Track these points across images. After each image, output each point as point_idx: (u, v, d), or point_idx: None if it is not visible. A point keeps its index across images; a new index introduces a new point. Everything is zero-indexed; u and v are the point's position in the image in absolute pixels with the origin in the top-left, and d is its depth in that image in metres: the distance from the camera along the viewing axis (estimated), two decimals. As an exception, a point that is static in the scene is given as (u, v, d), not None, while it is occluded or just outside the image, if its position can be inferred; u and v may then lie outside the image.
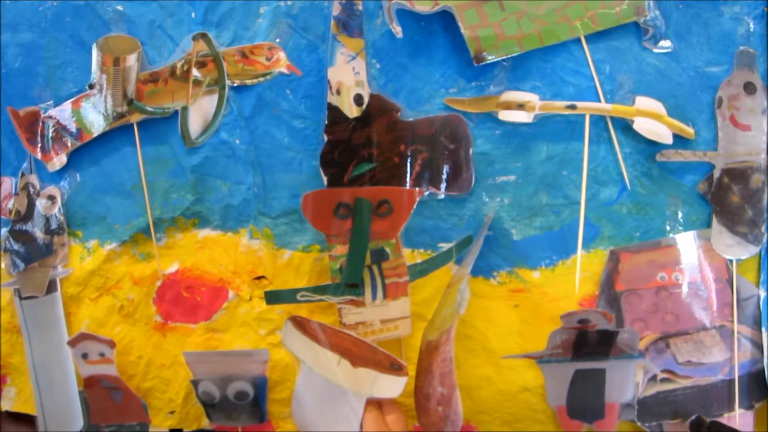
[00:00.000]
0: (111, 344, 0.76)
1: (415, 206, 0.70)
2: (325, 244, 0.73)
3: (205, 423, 0.81)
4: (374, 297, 0.71)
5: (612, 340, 0.67)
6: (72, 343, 0.77)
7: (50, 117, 0.75)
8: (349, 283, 0.70)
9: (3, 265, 0.79)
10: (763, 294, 0.70)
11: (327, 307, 0.74)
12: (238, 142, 0.73)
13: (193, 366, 0.76)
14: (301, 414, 0.71)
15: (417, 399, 0.71)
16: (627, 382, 0.70)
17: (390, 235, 0.71)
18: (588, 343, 0.68)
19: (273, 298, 0.73)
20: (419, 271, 0.72)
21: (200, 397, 0.77)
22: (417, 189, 0.70)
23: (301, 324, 0.70)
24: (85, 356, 0.78)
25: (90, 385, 0.79)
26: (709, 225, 0.69)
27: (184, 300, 0.77)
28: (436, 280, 0.72)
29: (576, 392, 0.71)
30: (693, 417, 0.70)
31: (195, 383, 0.76)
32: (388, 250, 0.71)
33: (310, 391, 0.70)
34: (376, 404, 0.69)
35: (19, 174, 0.77)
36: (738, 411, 0.70)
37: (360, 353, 0.68)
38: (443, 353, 0.68)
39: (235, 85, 0.72)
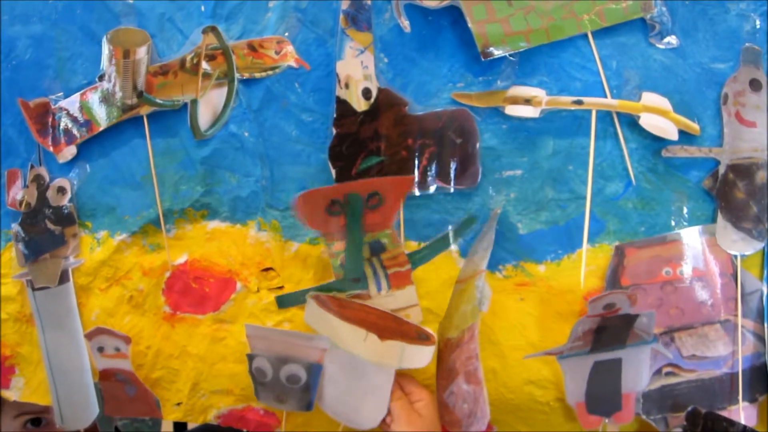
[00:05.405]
0: (127, 340, 0.77)
1: (422, 200, 0.71)
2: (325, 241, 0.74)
3: (211, 416, 0.81)
4: (379, 288, 0.71)
5: (631, 324, 0.67)
6: (89, 336, 0.78)
7: (60, 108, 0.75)
8: (352, 278, 0.71)
9: (14, 257, 0.79)
10: (765, 290, 0.70)
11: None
12: (246, 134, 0.73)
13: (252, 340, 0.74)
14: (327, 392, 0.71)
15: (439, 397, 0.70)
16: (642, 369, 0.70)
17: (384, 226, 0.71)
18: (608, 330, 0.68)
19: (284, 301, 0.75)
20: (420, 258, 0.72)
21: (252, 372, 0.75)
22: (408, 177, 0.70)
23: (324, 302, 0.70)
24: (101, 350, 0.78)
25: (105, 377, 0.80)
26: (713, 220, 0.70)
27: (193, 291, 0.77)
28: (441, 272, 0.73)
29: (594, 385, 0.70)
30: (689, 409, 0.70)
31: (251, 357, 0.75)
32: (384, 241, 0.71)
33: (337, 369, 0.70)
34: (401, 389, 0.69)
35: (29, 166, 0.78)
36: (742, 404, 0.70)
37: (386, 325, 0.68)
38: (467, 351, 0.67)
39: (244, 78, 0.72)
